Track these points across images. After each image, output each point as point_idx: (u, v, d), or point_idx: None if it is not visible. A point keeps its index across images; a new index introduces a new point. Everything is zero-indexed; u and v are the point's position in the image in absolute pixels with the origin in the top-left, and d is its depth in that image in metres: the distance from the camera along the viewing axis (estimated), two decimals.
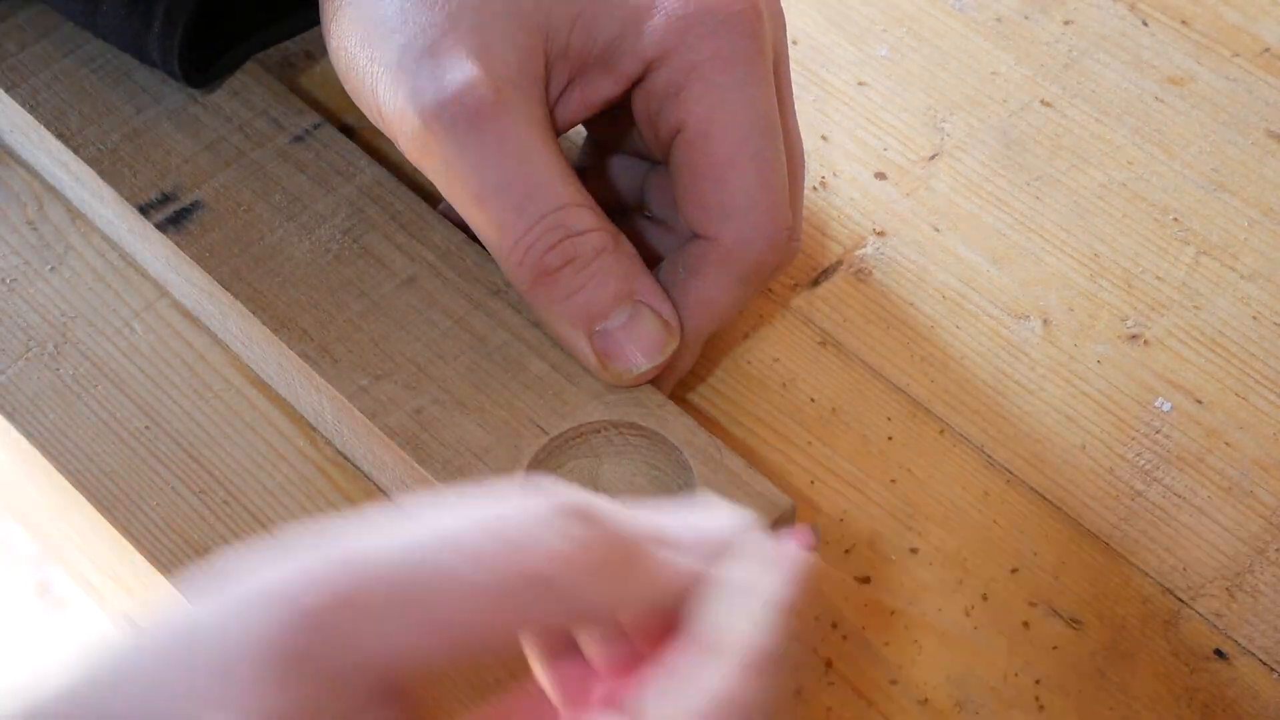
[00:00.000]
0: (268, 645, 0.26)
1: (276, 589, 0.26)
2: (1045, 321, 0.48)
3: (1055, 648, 0.41)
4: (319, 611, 0.26)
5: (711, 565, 0.30)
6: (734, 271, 0.42)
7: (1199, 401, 0.46)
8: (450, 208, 0.46)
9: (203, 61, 0.48)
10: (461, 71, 0.39)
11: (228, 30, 0.48)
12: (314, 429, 0.45)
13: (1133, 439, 0.46)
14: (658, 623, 0.30)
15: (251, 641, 0.26)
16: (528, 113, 0.39)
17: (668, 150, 0.42)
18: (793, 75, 0.47)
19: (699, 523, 0.31)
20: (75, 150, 0.47)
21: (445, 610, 0.27)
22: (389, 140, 0.45)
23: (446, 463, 0.40)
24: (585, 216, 0.40)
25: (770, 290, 0.49)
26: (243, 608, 0.26)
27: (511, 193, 0.39)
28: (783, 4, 0.44)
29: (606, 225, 0.40)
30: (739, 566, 0.30)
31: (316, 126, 0.48)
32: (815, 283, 0.49)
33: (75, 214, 0.50)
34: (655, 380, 0.42)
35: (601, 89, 0.42)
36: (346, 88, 0.42)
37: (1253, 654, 0.41)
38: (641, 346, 0.40)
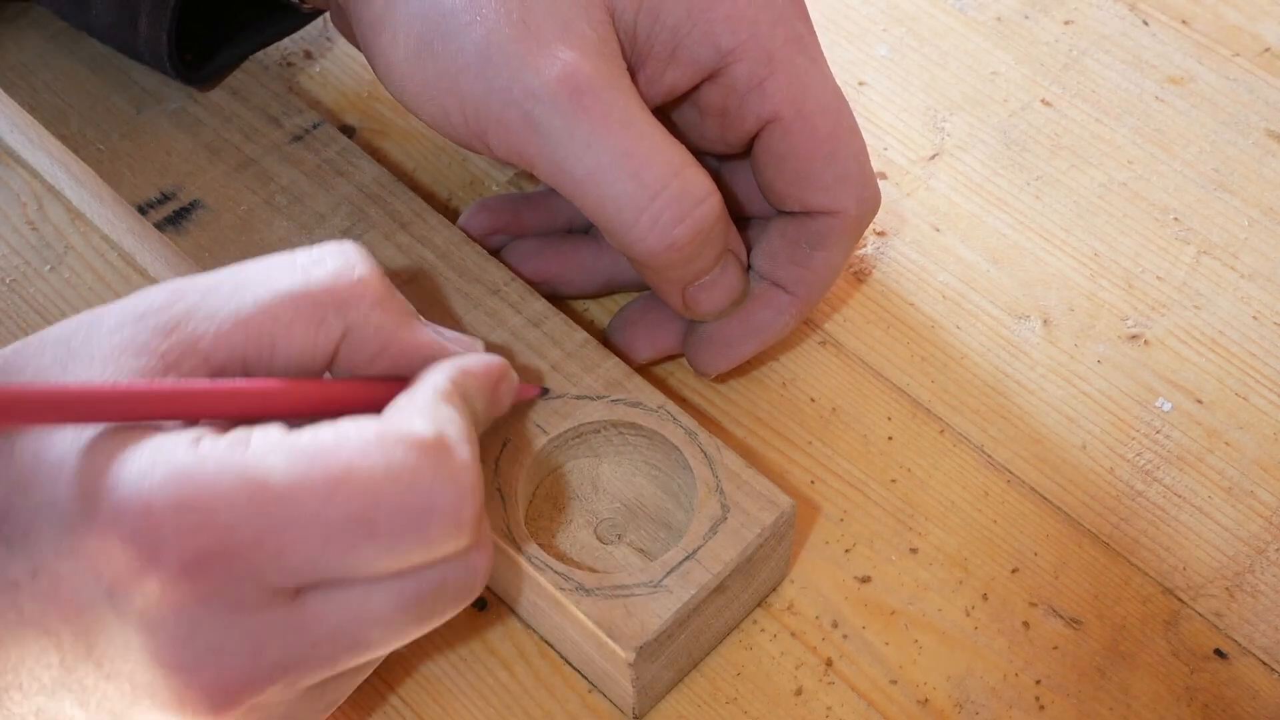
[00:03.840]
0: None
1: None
2: (1045, 321, 0.48)
3: (1055, 648, 0.41)
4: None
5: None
6: (855, 235, 0.44)
7: (1199, 401, 0.46)
8: (478, 217, 0.46)
9: (196, 59, 0.48)
10: (559, 53, 0.39)
11: (220, 28, 0.48)
12: None
13: (1133, 439, 0.46)
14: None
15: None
16: (624, 84, 0.40)
17: (748, 140, 0.43)
18: None
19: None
20: (75, 150, 0.47)
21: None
22: (389, 140, 0.45)
23: None
24: (699, 179, 0.40)
25: None
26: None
27: (629, 162, 0.39)
28: None
29: (712, 183, 0.41)
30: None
31: (316, 126, 0.48)
32: None
33: (75, 214, 0.50)
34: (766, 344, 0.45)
35: (670, 80, 0.42)
36: (404, 89, 0.41)
37: (1253, 654, 0.41)
38: (729, 294, 0.43)
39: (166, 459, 0.31)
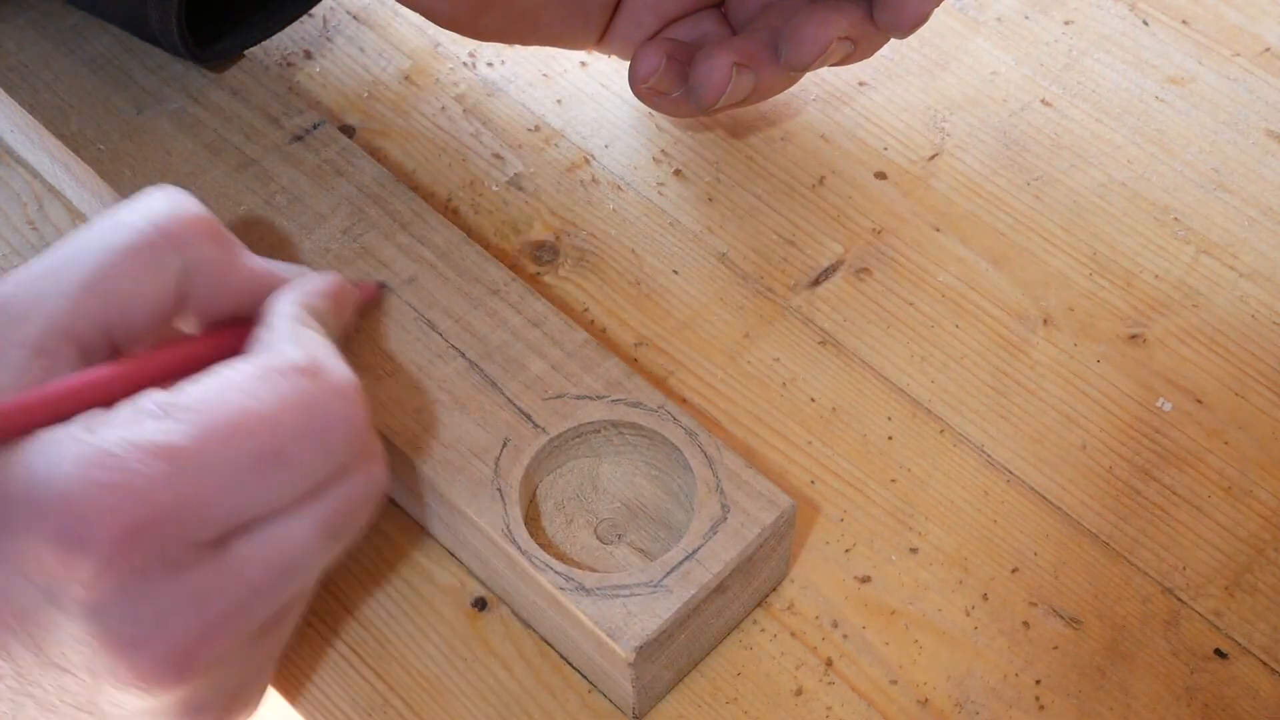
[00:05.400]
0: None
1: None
2: (1045, 321, 0.48)
3: (1055, 648, 0.41)
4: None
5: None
6: None
7: (1199, 401, 0.46)
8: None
9: (205, 40, 0.48)
10: None
11: (230, 9, 0.49)
12: None
13: (1132, 438, 0.46)
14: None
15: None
16: None
17: None
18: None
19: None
20: (75, 150, 0.47)
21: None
22: (389, 140, 0.45)
23: (447, 463, 0.40)
24: None
25: (770, 290, 0.49)
26: None
27: None
28: None
29: None
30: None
31: (316, 126, 0.48)
32: (815, 283, 0.49)
33: (76, 214, 0.50)
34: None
35: None
36: None
37: (1252, 653, 0.41)
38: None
39: (70, 450, 0.31)
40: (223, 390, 0.33)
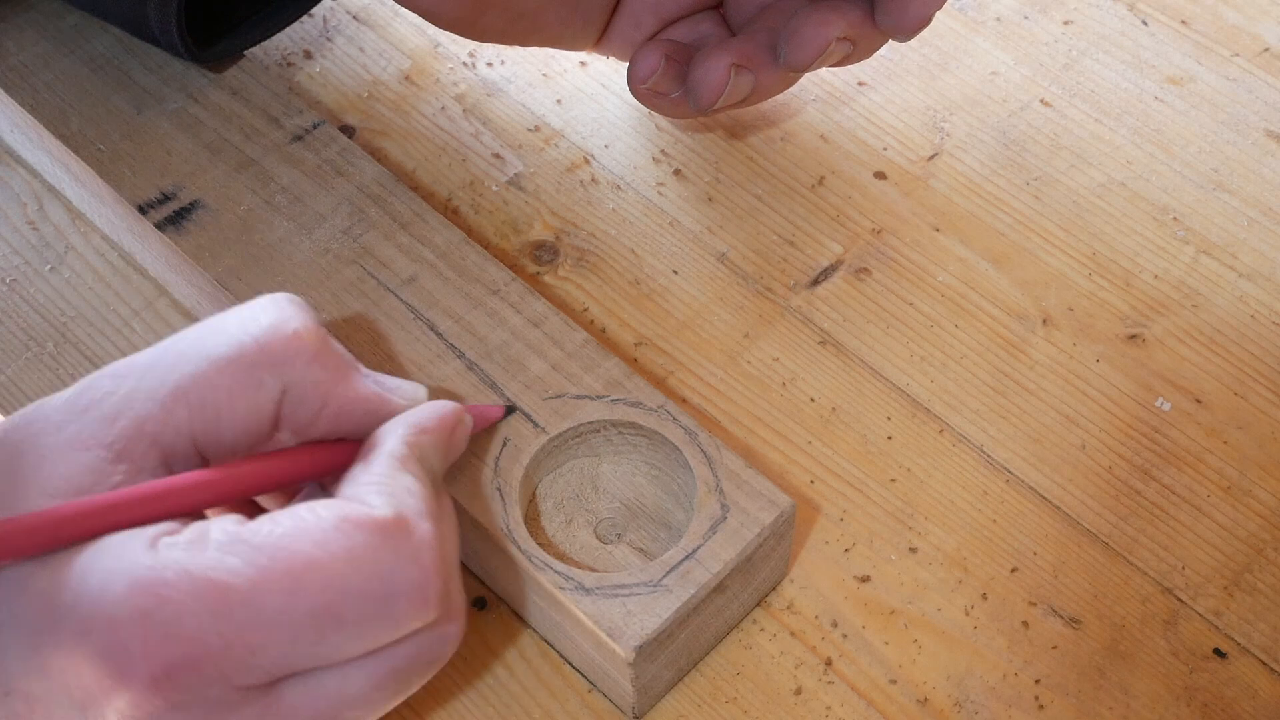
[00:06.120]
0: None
1: None
2: (1045, 321, 0.48)
3: (1055, 647, 0.41)
4: None
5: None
6: None
7: (1198, 401, 0.47)
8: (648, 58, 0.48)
9: (205, 40, 0.48)
10: None
11: (230, 9, 0.49)
12: None
13: (1132, 438, 0.46)
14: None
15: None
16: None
17: None
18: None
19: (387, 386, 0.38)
20: (75, 150, 0.47)
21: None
22: (389, 140, 0.45)
23: None
24: None
25: (770, 290, 0.49)
26: None
27: None
28: None
29: None
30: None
31: (316, 126, 0.48)
32: (815, 283, 0.49)
33: (75, 214, 0.50)
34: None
35: None
36: None
37: (1252, 653, 0.41)
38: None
39: (127, 568, 0.30)
40: (295, 536, 0.31)
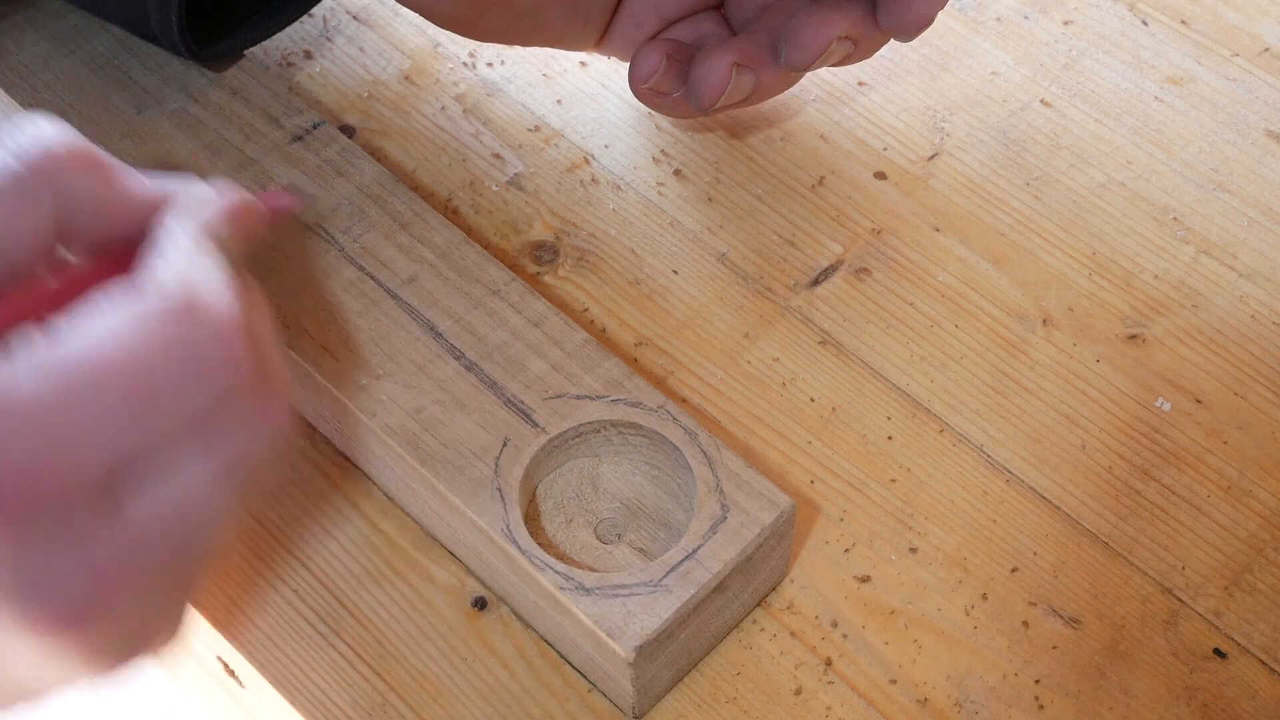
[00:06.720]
0: None
1: None
2: (1045, 321, 0.48)
3: (1055, 647, 0.41)
4: None
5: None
6: None
7: (1198, 401, 0.47)
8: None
9: (205, 40, 0.48)
10: None
11: (229, 9, 0.49)
12: (314, 429, 0.45)
13: (1132, 438, 0.46)
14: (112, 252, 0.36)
15: None
16: None
17: None
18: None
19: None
20: None
21: None
22: (389, 140, 0.45)
23: (446, 463, 0.40)
24: None
25: (770, 290, 0.49)
26: None
27: None
28: None
29: None
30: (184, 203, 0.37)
31: (316, 126, 0.48)
32: (815, 283, 0.49)
33: None
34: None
35: None
36: None
37: (1252, 653, 0.41)
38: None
39: None
40: (97, 343, 0.32)
